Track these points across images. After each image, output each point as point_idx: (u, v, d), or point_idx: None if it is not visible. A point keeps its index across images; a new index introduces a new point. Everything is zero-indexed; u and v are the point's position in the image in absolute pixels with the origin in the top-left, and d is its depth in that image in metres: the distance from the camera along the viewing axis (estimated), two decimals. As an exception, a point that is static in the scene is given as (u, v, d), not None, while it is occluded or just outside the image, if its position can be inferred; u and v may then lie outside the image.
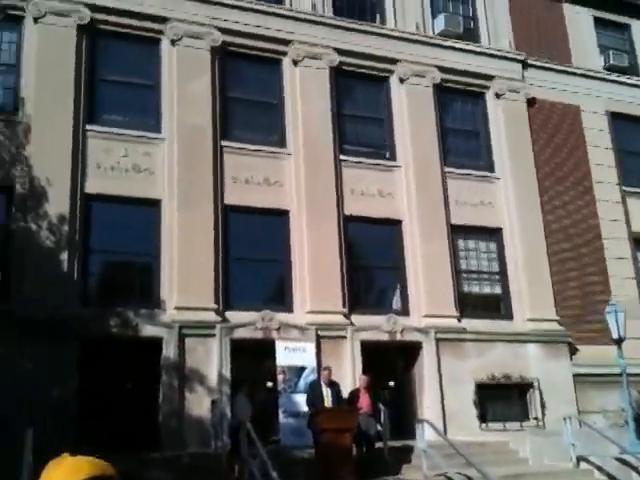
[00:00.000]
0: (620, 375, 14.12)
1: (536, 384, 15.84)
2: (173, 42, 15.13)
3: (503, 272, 16.96)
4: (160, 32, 15.13)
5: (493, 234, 17.20)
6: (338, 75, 16.59)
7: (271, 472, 9.60)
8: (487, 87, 18.23)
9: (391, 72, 17.20)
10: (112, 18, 14.72)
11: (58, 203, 12.95)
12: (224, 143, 15.02)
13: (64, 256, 12.67)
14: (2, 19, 12.98)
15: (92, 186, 13.66)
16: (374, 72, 17.14)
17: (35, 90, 13.62)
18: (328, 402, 12.27)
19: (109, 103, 14.49)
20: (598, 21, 20.83)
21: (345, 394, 13.07)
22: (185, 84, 14.85)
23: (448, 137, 17.53)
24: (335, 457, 10.97)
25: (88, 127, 13.98)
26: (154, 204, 14.08)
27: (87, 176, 13.67)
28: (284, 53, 16.19)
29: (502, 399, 15.78)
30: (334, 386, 12.54)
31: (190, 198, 14.10)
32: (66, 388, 11.78)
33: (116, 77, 14.70)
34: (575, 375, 16.30)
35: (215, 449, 12.26)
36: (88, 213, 13.53)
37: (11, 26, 13.87)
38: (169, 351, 13.03)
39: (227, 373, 13.36)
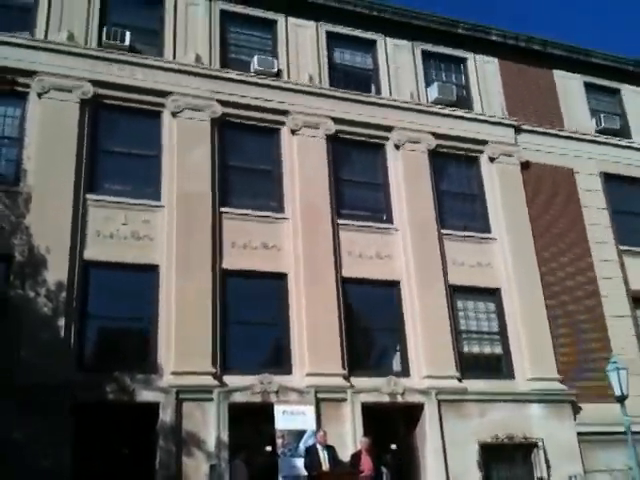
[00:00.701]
0: (625, 433, 13.62)
1: (540, 444, 15.19)
2: (174, 114, 15.22)
3: (503, 332, 16.50)
4: (161, 105, 15.24)
5: (492, 294, 16.82)
6: (335, 142, 16.60)
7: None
8: (481, 151, 18.19)
9: (387, 139, 17.22)
10: (115, 93, 14.86)
11: (57, 270, 12.74)
12: (223, 209, 14.89)
13: (61, 322, 12.39)
14: (7, 94, 13.11)
15: (91, 253, 13.46)
16: (370, 139, 17.16)
17: (37, 161, 13.60)
18: (325, 465, 12.01)
19: (110, 173, 14.43)
20: (589, 86, 20.96)
21: (345, 457, 12.71)
22: (185, 153, 14.85)
23: (444, 200, 17.37)
24: (338, 520, 10.50)
25: (88, 196, 13.89)
26: (152, 270, 13.83)
27: (86, 243, 13.49)
28: (282, 123, 16.25)
29: (506, 460, 15.10)
30: (330, 449, 12.30)
31: (188, 263, 13.88)
32: (59, 454, 11.31)
33: (117, 148, 14.68)
34: (579, 434, 15.70)
35: (213, 517, 11.73)
36: (86, 279, 13.25)
37: (15, 101, 13.97)
38: (166, 416, 12.57)
39: (225, 438, 12.83)
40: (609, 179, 19.56)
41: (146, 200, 14.42)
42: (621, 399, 13.88)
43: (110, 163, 14.54)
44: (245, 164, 15.78)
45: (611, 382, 14.18)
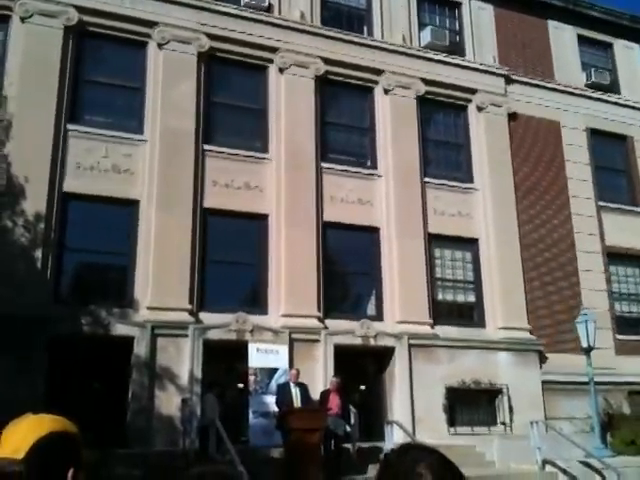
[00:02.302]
0: (588, 383, 13.64)
1: (505, 390, 15.26)
2: (160, 46, 14.44)
3: (477, 281, 16.33)
4: (147, 36, 14.44)
5: (469, 244, 16.55)
6: (323, 84, 15.91)
7: (239, 469, 9.14)
8: (470, 100, 17.55)
9: (376, 83, 16.52)
10: (100, 20, 14.05)
11: (35, 201, 12.30)
12: (206, 147, 14.35)
13: (38, 254, 12.02)
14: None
15: (71, 185, 12.99)
16: (359, 82, 16.46)
17: (18, 88, 12.95)
18: (297, 402, 11.92)
19: (92, 104, 13.81)
20: (582, 39, 20.16)
21: (317, 396, 12.56)
22: (170, 87, 14.18)
23: (429, 148, 16.86)
24: (303, 456, 10.52)
25: (70, 127, 13.29)
26: (132, 204, 13.41)
27: (66, 175, 13.00)
28: (271, 60, 15.50)
29: (471, 404, 15.21)
30: (302, 387, 12.15)
31: (169, 200, 13.44)
32: (33, 384, 11.11)
33: (101, 78, 14.00)
34: (544, 382, 15.77)
35: (183, 447, 11.66)
36: (65, 212, 12.85)
37: (-2, 25, 13.20)
38: (140, 350, 12.39)
39: (198, 373, 12.72)
40: (595, 135, 19.09)
41: (128, 134, 13.84)
42: (587, 350, 13.89)
43: (93, 94, 13.90)
44: (231, 102, 15.17)
45: (579, 334, 14.11)
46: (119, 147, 13.53)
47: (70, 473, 1.52)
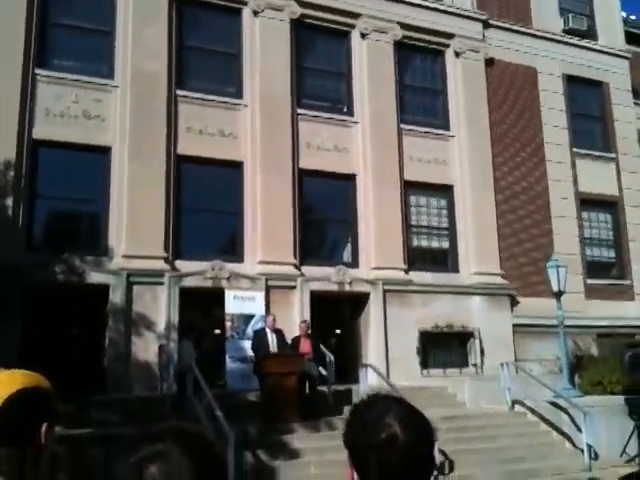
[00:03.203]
0: (557, 326, 13.82)
1: (477, 333, 15.52)
2: (131, -14, 13.83)
3: (452, 228, 16.37)
4: (115, -24, 13.81)
5: (445, 191, 16.52)
6: (299, 28, 15.47)
7: (217, 412, 9.26)
8: (447, 45, 17.23)
9: (353, 27, 16.12)
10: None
11: (4, 148, 11.92)
12: (179, 92, 13.97)
13: (9, 202, 11.75)
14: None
15: (40, 132, 12.61)
16: (336, 26, 16.04)
17: (-17, 31, 12.38)
18: (273, 348, 11.97)
19: (61, 48, 13.32)
20: (560, -18, 19.69)
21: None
22: (140, 30, 13.66)
23: (406, 94, 16.61)
24: (280, 399, 10.76)
25: (38, 71, 12.82)
26: (104, 151, 13.08)
27: (35, 122, 12.60)
28: (245, 3, 14.97)
29: (444, 347, 15.48)
30: (279, 333, 12.17)
31: (142, 146, 13.13)
32: (8, 334, 10.98)
33: (69, 21, 13.46)
34: (515, 325, 16.06)
35: (161, 392, 11.75)
36: (35, 159, 12.50)
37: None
38: (116, 298, 12.30)
39: (175, 320, 12.71)
40: (571, 81, 18.92)
41: (99, 78, 13.41)
42: (558, 295, 13.97)
43: (61, 37, 13.42)
44: (203, 45, 14.70)
45: (550, 278, 14.18)
46: (89, 92, 13.11)
47: (44, 428, 1.51)
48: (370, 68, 15.91)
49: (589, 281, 17.58)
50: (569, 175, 18.10)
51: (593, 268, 17.95)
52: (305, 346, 12.04)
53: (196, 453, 1.22)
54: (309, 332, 12.23)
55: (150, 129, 13.27)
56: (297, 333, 13.07)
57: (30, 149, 12.42)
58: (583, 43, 19.37)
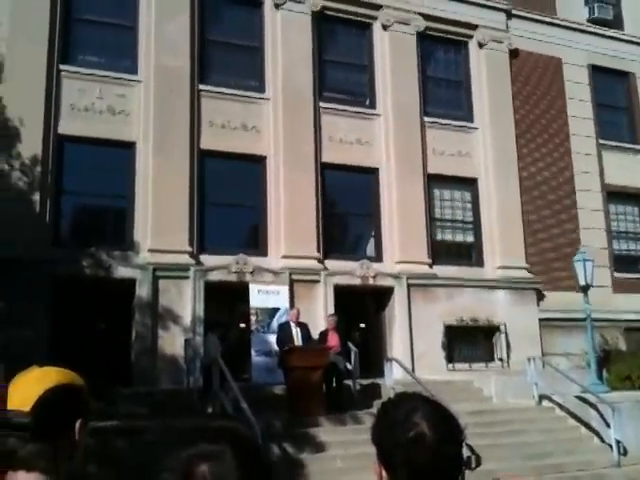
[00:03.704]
0: (584, 320, 13.65)
1: (503, 328, 15.41)
2: (152, -19, 13.89)
3: (476, 221, 16.26)
4: (139, -30, 13.87)
5: (469, 184, 16.40)
6: (320, 20, 15.44)
7: (242, 404, 9.33)
8: (470, 36, 17.08)
9: (374, 18, 16.03)
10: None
11: (31, 144, 12.07)
12: (202, 87, 14.01)
13: (36, 197, 11.88)
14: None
15: (66, 127, 12.73)
16: (357, 18, 15.96)
17: (9, 28, 12.54)
18: (297, 341, 11.99)
19: (85, 43, 13.42)
20: (585, -28, 19.40)
21: (316, 335, 12.64)
22: (162, 24, 13.71)
23: (429, 86, 16.51)
24: (305, 393, 10.76)
25: (62, 67, 12.94)
26: (129, 146, 13.19)
27: (61, 117, 12.73)
28: (267, -4, 14.94)
29: (469, 342, 15.40)
30: (303, 326, 12.20)
31: (165, 141, 13.20)
32: (37, 327, 11.14)
33: (93, 17, 13.54)
34: (541, 319, 15.89)
35: (187, 386, 11.83)
36: (61, 154, 12.64)
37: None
38: (142, 292, 12.40)
39: (200, 314, 12.78)
40: (597, 71, 18.67)
41: (122, 73, 13.50)
42: (585, 288, 13.80)
43: (85, 33, 13.50)
44: (225, 39, 14.70)
45: (576, 272, 14.02)
46: (113, 88, 13.21)
47: (78, 424, 1.56)
48: (392, 60, 15.82)
49: (616, 274, 17.37)
50: (595, 167, 17.87)
51: (621, 261, 17.73)
52: (333, 340, 12.04)
53: (247, 458, 1.23)
54: (337, 326, 12.18)
55: (173, 124, 13.33)
56: (321, 327, 13.10)
57: (56, 145, 12.55)
58: (609, 33, 19.07)
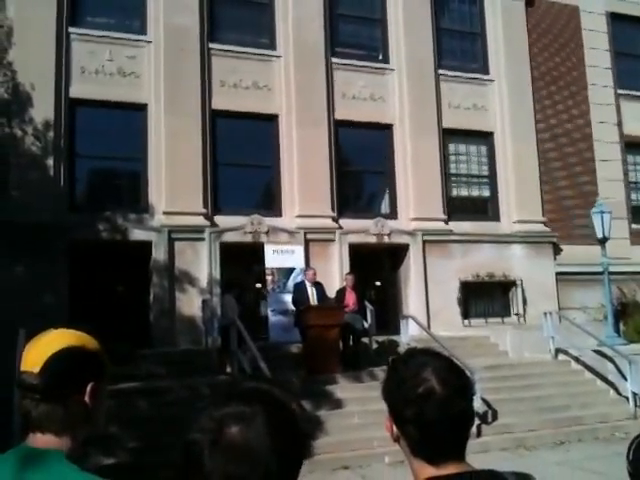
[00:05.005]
0: (601, 273, 13.62)
1: (519, 282, 15.38)
2: (159, -63, 13.58)
3: (492, 175, 16.08)
4: None
5: (485, 137, 16.18)
6: (331, -27, 15.02)
7: (261, 364, 9.45)
8: (485, -15, 16.56)
9: (387, -31, 15.56)
10: None
11: (43, 108, 12.03)
12: (212, 45, 13.83)
13: (50, 162, 11.90)
14: None
15: (76, 91, 12.65)
16: (369, -31, 15.52)
17: (17, -10, 12.36)
18: (313, 301, 12.05)
19: (93, 5, 13.22)
20: None
21: (332, 294, 12.71)
22: (171, -17, 13.45)
23: (443, 38, 16.17)
24: (322, 351, 10.86)
25: (71, 30, 12.79)
26: (140, 109, 13.11)
27: (71, 80, 12.64)
28: (275, -51, 14.57)
29: (485, 297, 15.40)
30: (319, 286, 12.23)
31: (177, 102, 13.10)
32: (57, 291, 11.32)
33: (100, -23, 13.33)
34: (558, 274, 15.81)
35: (206, 346, 12.01)
36: (73, 118, 12.59)
37: None
38: (159, 254, 12.50)
39: (217, 275, 12.88)
40: (615, 19, 18.11)
41: (132, 34, 13.36)
42: (602, 241, 13.72)
43: (93, -6, 13.23)
44: (234, -4, 14.39)
45: (594, 224, 13.91)
46: (123, 49, 13.06)
47: (89, 387, 1.55)
48: (405, 12, 15.46)
49: (634, 226, 17.20)
50: (613, 117, 17.53)
51: (639, 213, 17.52)
52: (350, 298, 12.10)
53: (280, 425, 1.15)
54: (354, 284, 12.22)
55: (184, 84, 13.22)
56: (336, 286, 13.17)
57: (67, 108, 12.50)
58: (629, -23, 18.46)
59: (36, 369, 1.51)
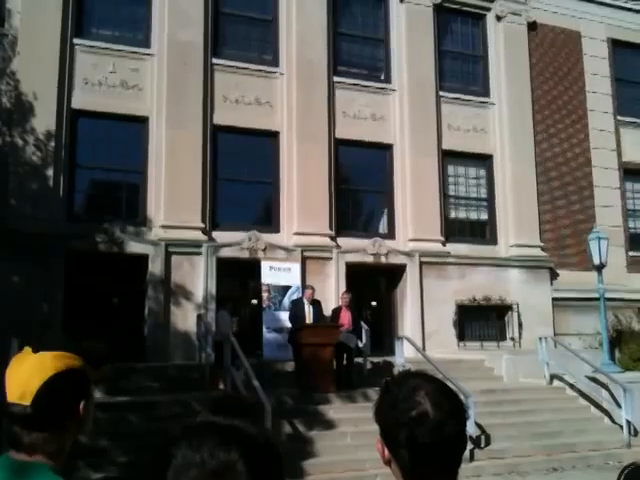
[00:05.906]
0: (598, 300, 13.63)
1: (515, 306, 15.43)
2: (166, -47, 13.76)
3: (490, 198, 16.18)
4: (152, -59, 13.73)
5: (484, 160, 16.30)
6: (335, -8, 15.20)
7: (254, 382, 9.42)
8: (488, 9, 16.84)
9: (390, -10, 15.76)
10: None
11: (45, 118, 12.12)
12: (215, 60, 13.96)
13: (50, 172, 11.97)
14: None
15: (79, 101, 12.76)
16: (373, -10, 15.71)
17: (23, 2, 12.49)
18: (310, 319, 12.06)
19: (99, 17, 13.39)
20: (605, -59, 18.96)
21: (327, 312, 12.71)
22: (176, -3, 13.59)
23: (445, 60, 16.32)
24: (315, 370, 10.86)
25: (76, 41, 12.93)
26: (142, 121, 13.22)
27: (74, 91, 12.74)
28: (280, -32, 14.75)
29: (481, 320, 15.44)
30: (316, 304, 12.25)
31: (178, 116, 13.21)
32: (52, 301, 11.31)
33: (105, -12, 13.46)
34: (554, 299, 15.87)
35: (199, 361, 11.98)
36: (75, 129, 12.70)
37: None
38: (155, 268, 12.53)
39: (213, 290, 12.91)
40: (616, 45, 18.32)
41: (136, 47, 13.48)
42: (599, 267, 13.75)
43: (99, 6, 13.46)
44: (240, 12, 14.58)
45: (591, 251, 13.94)
46: (126, 62, 13.19)
47: (82, 405, 1.56)
48: (408, 33, 15.65)
49: (631, 253, 17.29)
50: (613, 144, 17.68)
51: (636, 240, 17.63)
52: (345, 317, 12.11)
53: (259, 468, 1.04)
54: (350, 304, 12.25)
55: (186, 98, 13.33)
56: (332, 304, 13.19)
57: (69, 119, 12.60)
58: (629, 5, 18.71)
59: (26, 401, 1.48)
